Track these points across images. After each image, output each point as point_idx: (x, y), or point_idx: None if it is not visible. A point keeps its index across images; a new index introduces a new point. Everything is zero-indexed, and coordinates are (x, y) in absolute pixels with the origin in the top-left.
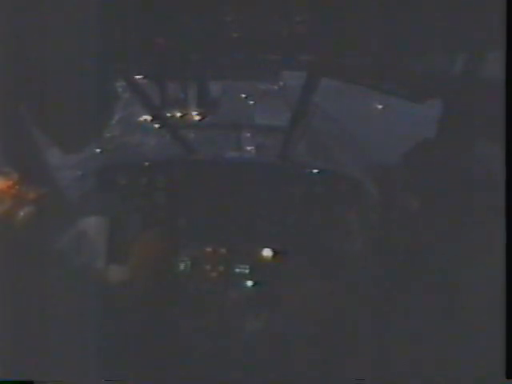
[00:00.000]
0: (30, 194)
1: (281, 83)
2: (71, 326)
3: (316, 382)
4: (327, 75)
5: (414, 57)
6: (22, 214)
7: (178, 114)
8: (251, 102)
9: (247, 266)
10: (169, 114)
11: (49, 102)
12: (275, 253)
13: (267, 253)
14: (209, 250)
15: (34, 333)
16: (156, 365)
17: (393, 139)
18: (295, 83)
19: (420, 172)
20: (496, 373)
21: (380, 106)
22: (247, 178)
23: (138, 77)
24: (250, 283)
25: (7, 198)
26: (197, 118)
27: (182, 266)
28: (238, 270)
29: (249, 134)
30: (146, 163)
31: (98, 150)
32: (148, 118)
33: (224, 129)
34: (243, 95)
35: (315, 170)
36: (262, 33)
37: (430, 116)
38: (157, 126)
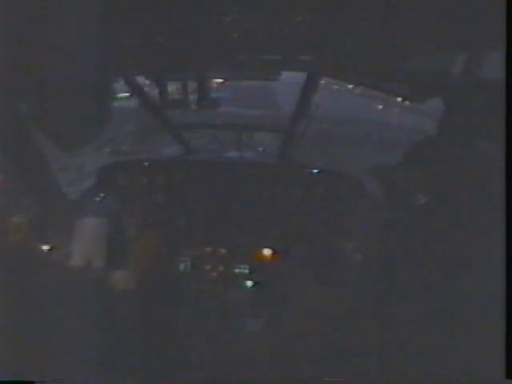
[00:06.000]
0: None
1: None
2: (71, 326)
3: (316, 380)
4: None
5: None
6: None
7: None
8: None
9: (247, 266)
10: None
11: None
12: (275, 252)
13: (267, 253)
14: (209, 249)
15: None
16: (156, 364)
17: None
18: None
19: (420, 172)
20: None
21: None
22: (247, 178)
23: None
24: (249, 283)
25: None
26: None
27: (181, 266)
28: (237, 270)
29: (249, 134)
30: (146, 163)
31: None
32: None
33: (224, 129)
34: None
35: (315, 170)
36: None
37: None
38: None
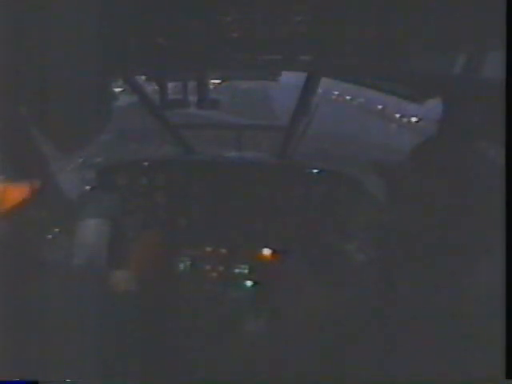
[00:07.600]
0: None
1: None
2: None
3: (315, 380)
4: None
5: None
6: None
7: None
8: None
9: (247, 266)
10: None
11: None
12: (275, 252)
13: (267, 252)
14: (209, 249)
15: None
16: (156, 364)
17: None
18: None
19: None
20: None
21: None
22: (247, 178)
23: None
24: (249, 283)
25: None
26: None
27: (182, 266)
28: (237, 270)
29: (249, 134)
30: (146, 163)
31: None
32: None
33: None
34: None
35: (315, 170)
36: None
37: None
38: None
